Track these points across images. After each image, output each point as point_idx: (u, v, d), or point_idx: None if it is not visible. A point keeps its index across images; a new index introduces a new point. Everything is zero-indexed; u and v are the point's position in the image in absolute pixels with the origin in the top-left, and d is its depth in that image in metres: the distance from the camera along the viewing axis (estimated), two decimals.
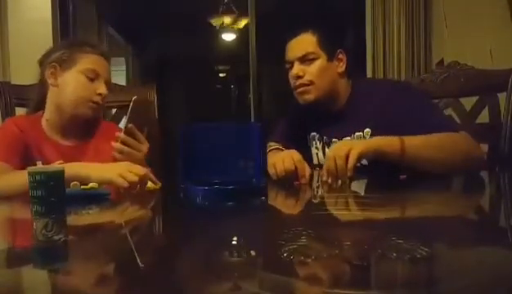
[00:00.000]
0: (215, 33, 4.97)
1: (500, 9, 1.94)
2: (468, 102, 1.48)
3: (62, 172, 0.78)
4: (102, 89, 1.27)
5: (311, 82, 1.34)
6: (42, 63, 1.33)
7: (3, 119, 1.48)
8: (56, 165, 0.85)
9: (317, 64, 1.34)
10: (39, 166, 0.80)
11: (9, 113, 1.51)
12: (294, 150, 1.20)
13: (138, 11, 4.85)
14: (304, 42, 1.35)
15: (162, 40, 5.69)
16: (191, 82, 6.22)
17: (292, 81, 1.37)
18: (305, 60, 1.34)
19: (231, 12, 4.66)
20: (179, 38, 5.31)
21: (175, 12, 4.84)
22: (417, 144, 1.14)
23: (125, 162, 1.11)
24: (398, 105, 1.25)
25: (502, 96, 1.39)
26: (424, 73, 2.35)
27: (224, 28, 4.81)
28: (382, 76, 2.66)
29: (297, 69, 1.34)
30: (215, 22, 4.76)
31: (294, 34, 1.37)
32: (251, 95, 3.59)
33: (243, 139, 0.94)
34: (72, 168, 1.04)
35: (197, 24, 4.74)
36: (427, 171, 1.14)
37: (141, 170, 1.08)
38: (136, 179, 1.04)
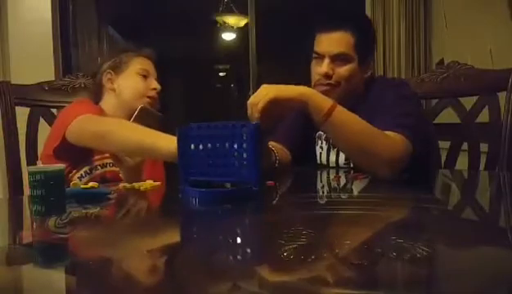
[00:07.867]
0: (215, 32, 4.97)
1: (500, 9, 1.94)
2: (468, 102, 1.48)
3: (62, 171, 0.78)
4: (155, 84, 1.44)
5: (338, 84, 1.27)
6: (96, 74, 1.47)
7: (3, 119, 1.48)
8: (57, 165, 0.84)
9: (349, 67, 1.27)
10: (39, 165, 0.80)
11: (9, 112, 1.51)
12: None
13: (138, 11, 4.85)
14: (342, 41, 1.26)
15: (162, 40, 5.68)
16: (191, 81, 6.22)
17: (317, 76, 1.29)
18: (338, 59, 1.27)
19: (230, 12, 4.67)
20: (179, 38, 5.31)
21: (175, 12, 4.85)
22: (345, 118, 1.08)
23: None
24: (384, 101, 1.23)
25: (502, 96, 1.39)
26: (424, 73, 2.35)
27: (224, 27, 4.81)
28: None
29: (327, 66, 1.26)
30: (215, 21, 4.76)
31: (331, 28, 1.27)
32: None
33: (240, 139, 0.93)
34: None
35: (197, 24, 4.74)
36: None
37: None
38: None
